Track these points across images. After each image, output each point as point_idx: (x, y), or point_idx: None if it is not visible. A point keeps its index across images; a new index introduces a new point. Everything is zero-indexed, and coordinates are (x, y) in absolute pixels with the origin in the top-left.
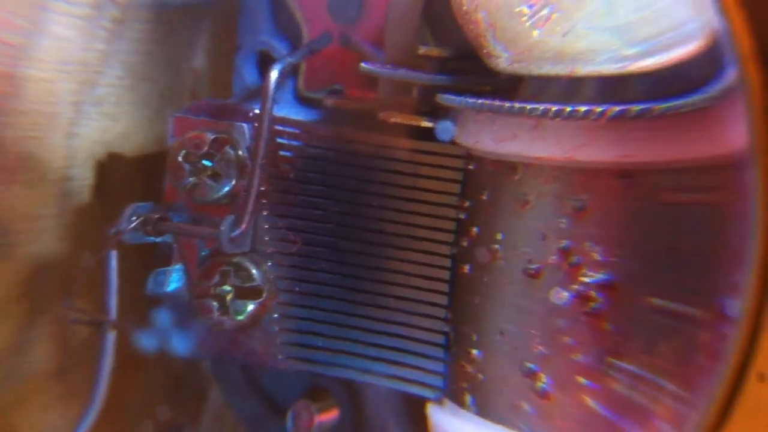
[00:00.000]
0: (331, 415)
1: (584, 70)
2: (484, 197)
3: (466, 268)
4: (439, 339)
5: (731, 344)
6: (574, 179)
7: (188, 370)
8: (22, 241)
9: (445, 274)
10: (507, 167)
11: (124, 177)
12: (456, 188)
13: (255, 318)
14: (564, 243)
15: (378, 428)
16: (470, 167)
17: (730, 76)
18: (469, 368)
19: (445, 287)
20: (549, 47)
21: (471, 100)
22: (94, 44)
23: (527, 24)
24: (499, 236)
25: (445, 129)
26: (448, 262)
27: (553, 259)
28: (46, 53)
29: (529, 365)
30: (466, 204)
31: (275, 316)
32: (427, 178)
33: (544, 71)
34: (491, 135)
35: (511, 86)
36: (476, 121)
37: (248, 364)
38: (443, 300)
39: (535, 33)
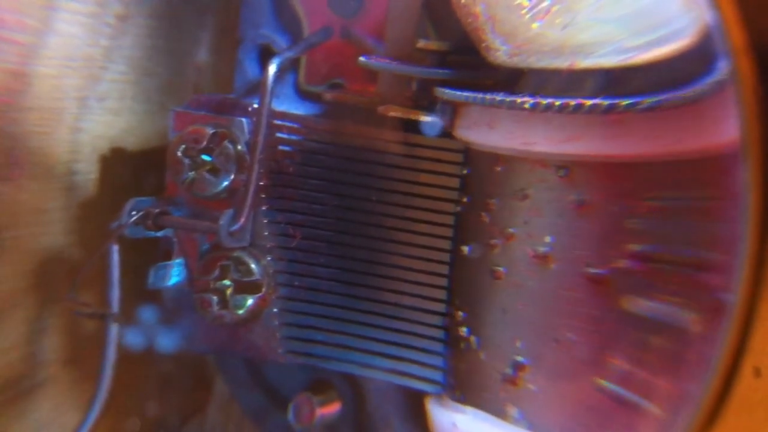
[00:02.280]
0: (333, 408)
1: (584, 63)
2: (521, 197)
3: (499, 272)
4: (438, 334)
5: (723, 339)
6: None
7: (179, 366)
8: (31, 234)
9: (444, 269)
10: (550, 166)
11: (128, 171)
12: (455, 182)
13: (255, 312)
14: (638, 246)
15: (379, 421)
16: (498, 168)
17: (721, 69)
18: (517, 380)
19: (444, 281)
20: (548, 40)
21: (467, 94)
22: (99, 40)
23: (527, 16)
24: (547, 239)
25: (431, 124)
26: (447, 257)
27: (622, 263)
28: (53, 50)
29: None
30: (492, 202)
31: (275, 310)
32: (426, 172)
33: (543, 64)
34: (491, 128)
35: (512, 79)
36: (473, 115)
37: (248, 358)
38: (442, 294)
39: (535, 25)
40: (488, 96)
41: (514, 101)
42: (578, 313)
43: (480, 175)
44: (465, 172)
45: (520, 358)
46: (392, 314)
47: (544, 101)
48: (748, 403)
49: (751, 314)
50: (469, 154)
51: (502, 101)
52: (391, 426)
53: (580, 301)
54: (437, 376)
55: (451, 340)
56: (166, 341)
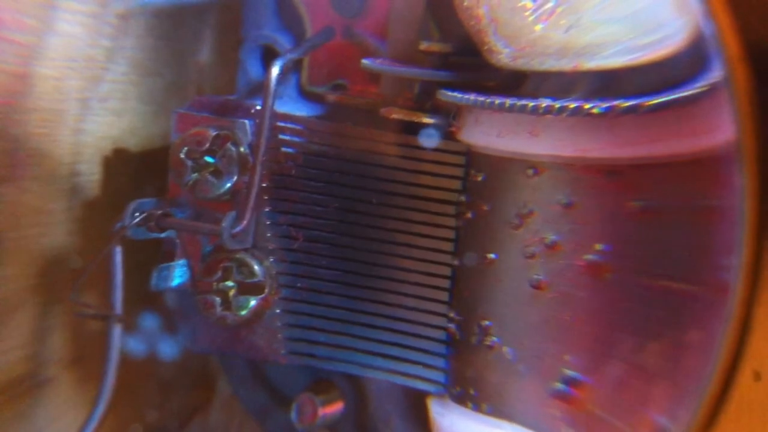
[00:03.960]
0: (335, 408)
1: (589, 64)
2: (566, 204)
3: (541, 282)
4: (440, 334)
5: (722, 342)
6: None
7: (181, 366)
8: (34, 234)
9: (447, 271)
10: (599, 171)
11: (131, 172)
12: (456, 184)
13: (257, 313)
14: None
15: (381, 421)
16: (530, 175)
17: (717, 72)
18: (572, 397)
19: (446, 283)
20: (552, 42)
21: (468, 97)
22: (100, 41)
23: (530, 18)
24: (599, 247)
25: (429, 135)
26: (449, 259)
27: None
28: (55, 51)
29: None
30: (524, 210)
31: (277, 311)
32: (428, 174)
33: (546, 67)
34: (534, 136)
35: (515, 82)
36: (505, 121)
37: (251, 359)
38: (444, 296)
39: (538, 27)
40: (490, 99)
41: (525, 105)
42: (640, 327)
43: (503, 182)
44: (481, 179)
45: (571, 373)
46: (394, 315)
47: (543, 104)
48: (748, 407)
49: (748, 320)
50: (484, 160)
51: (502, 104)
52: (392, 426)
53: (640, 313)
54: (439, 376)
55: (469, 349)
56: (169, 342)
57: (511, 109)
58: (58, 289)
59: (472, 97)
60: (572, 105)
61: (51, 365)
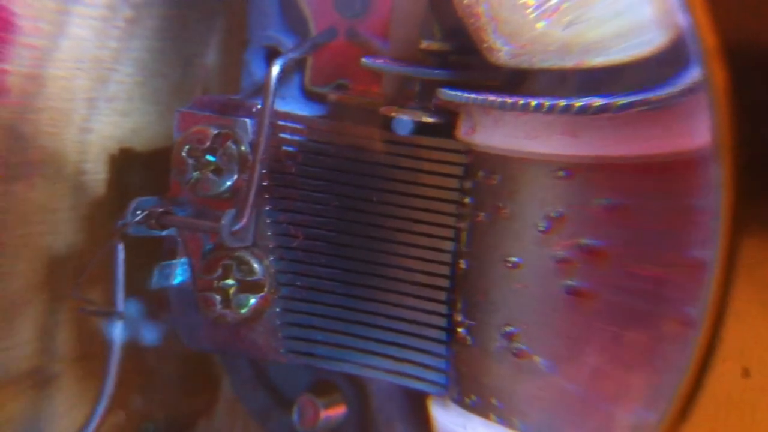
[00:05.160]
0: (338, 411)
1: (595, 61)
2: (609, 207)
3: (580, 289)
4: (441, 335)
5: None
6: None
7: (187, 366)
8: (41, 232)
9: (446, 270)
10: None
11: (136, 171)
12: (455, 183)
13: (257, 312)
14: None
15: (382, 423)
16: (560, 173)
17: (695, 72)
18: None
19: (446, 283)
20: (553, 39)
21: (466, 95)
22: (108, 42)
23: (531, 16)
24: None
25: (402, 123)
26: (449, 258)
27: None
28: (64, 53)
29: None
30: (554, 214)
31: (277, 309)
32: (428, 174)
33: (548, 65)
34: (574, 137)
35: (518, 80)
36: (534, 123)
37: (250, 357)
38: (444, 296)
39: (539, 25)
40: (489, 97)
41: (528, 103)
42: None
43: (526, 184)
44: (497, 181)
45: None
46: (394, 315)
47: (533, 102)
48: (737, 403)
49: (722, 314)
50: (500, 162)
51: (503, 103)
52: (394, 428)
53: None
54: (440, 377)
55: (487, 355)
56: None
57: (551, 109)
58: (64, 286)
59: (496, 99)
60: (621, 101)
61: (57, 361)
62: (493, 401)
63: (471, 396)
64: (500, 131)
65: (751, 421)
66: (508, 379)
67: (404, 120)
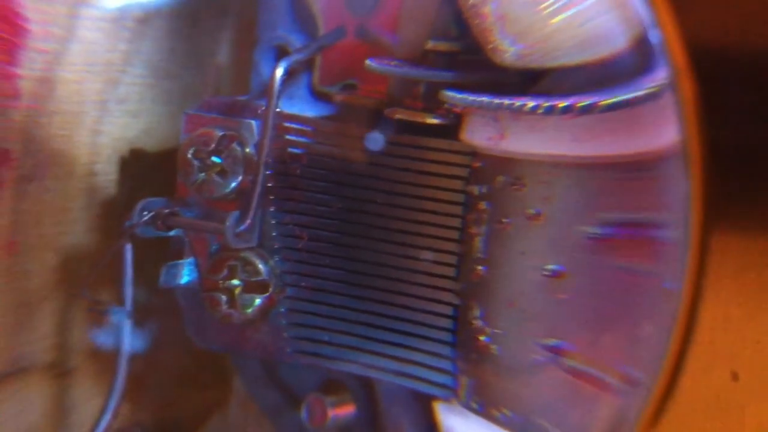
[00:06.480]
0: (347, 410)
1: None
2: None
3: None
4: (447, 336)
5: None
6: None
7: (199, 363)
8: (55, 233)
9: (452, 271)
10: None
11: (146, 171)
12: (460, 185)
13: (263, 312)
14: None
15: (390, 424)
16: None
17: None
18: None
19: (451, 284)
20: (568, 36)
21: (471, 98)
22: (118, 45)
23: (545, 12)
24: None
25: (373, 139)
26: (454, 259)
27: None
28: (75, 56)
29: None
30: (589, 218)
31: (282, 310)
32: (433, 175)
33: (561, 62)
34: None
35: (525, 81)
36: (577, 128)
37: (256, 357)
38: (450, 297)
39: (554, 21)
40: (496, 100)
41: (539, 105)
42: None
43: (557, 188)
44: (525, 186)
45: None
46: (399, 316)
47: (529, 103)
48: (725, 406)
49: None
50: (527, 167)
51: (511, 105)
52: (403, 429)
53: None
54: (446, 379)
55: (523, 369)
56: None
57: (528, 111)
58: (78, 284)
59: (475, 98)
60: None
61: (74, 355)
62: (537, 419)
63: (502, 409)
64: (533, 136)
65: (740, 422)
66: (552, 395)
67: (376, 136)
